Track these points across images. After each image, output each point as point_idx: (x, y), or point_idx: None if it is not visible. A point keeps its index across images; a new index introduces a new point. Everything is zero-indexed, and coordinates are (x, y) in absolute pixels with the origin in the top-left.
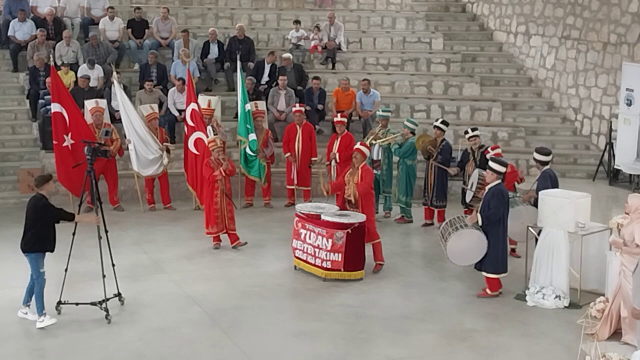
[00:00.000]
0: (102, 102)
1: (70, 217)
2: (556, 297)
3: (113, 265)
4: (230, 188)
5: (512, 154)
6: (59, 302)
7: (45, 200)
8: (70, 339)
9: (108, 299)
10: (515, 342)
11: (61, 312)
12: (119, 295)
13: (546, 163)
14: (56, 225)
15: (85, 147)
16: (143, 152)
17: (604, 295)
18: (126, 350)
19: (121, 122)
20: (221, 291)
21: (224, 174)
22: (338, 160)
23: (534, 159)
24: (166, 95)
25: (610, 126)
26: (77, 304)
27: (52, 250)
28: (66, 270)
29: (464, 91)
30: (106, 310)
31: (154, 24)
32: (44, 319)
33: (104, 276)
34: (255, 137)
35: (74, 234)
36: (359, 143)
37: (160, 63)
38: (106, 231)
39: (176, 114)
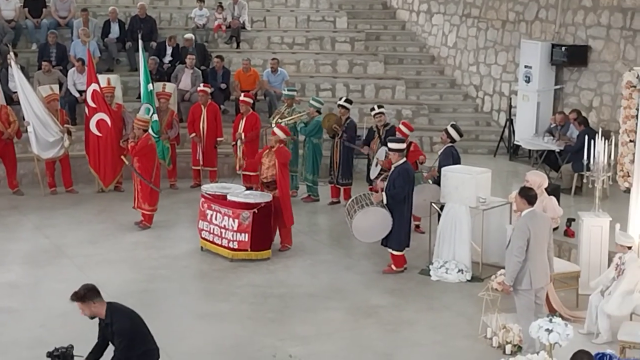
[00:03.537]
0: None
1: None
2: (459, 271)
3: None
4: (142, 167)
5: (416, 131)
6: None
7: None
8: None
9: None
10: (419, 316)
11: None
12: None
13: (454, 141)
14: None
15: None
16: (43, 134)
17: (504, 268)
18: (28, 336)
19: (19, 103)
20: (126, 275)
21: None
22: (244, 140)
23: (446, 131)
24: (65, 76)
25: (510, 103)
26: None
27: None
28: None
29: (368, 70)
30: None
31: (51, 3)
32: None
33: None
34: (157, 118)
35: None
36: (274, 125)
37: (60, 43)
38: None
39: (77, 95)
